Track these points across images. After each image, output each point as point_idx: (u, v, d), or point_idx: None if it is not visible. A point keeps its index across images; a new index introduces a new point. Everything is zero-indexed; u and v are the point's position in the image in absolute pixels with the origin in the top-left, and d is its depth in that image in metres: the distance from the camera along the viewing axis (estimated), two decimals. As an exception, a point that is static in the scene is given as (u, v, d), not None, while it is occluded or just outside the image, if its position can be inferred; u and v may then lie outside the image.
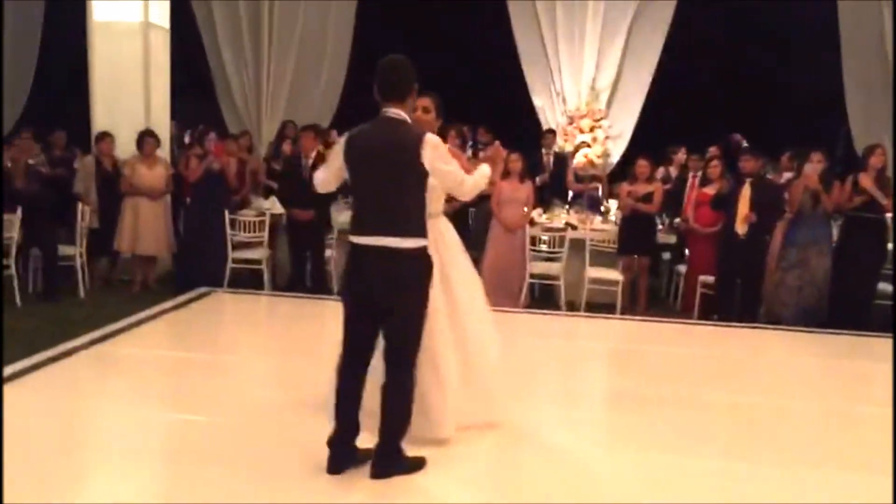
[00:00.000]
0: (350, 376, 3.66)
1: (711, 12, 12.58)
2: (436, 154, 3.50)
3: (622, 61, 10.84)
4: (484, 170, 3.77)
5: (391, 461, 3.65)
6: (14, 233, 7.05)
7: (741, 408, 5.12)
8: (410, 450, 3.75)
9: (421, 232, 3.55)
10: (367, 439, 3.70)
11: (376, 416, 3.66)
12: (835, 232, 7.70)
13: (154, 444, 4.19)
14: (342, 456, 3.67)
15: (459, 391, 4.07)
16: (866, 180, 7.26)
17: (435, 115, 4.09)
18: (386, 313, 3.56)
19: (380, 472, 3.63)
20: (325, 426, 3.74)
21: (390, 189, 3.51)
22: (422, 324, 3.61)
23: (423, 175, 3.51)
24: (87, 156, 8.37)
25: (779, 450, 4.39)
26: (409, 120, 3.60)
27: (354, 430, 3.69)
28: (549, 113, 11.06)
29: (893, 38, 10.04)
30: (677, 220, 8.60)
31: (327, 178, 3.85)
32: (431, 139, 3.51)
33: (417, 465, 3.75)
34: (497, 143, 4.13)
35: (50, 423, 4.29)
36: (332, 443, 3.67)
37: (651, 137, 10.49)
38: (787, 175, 8.13)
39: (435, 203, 3.99)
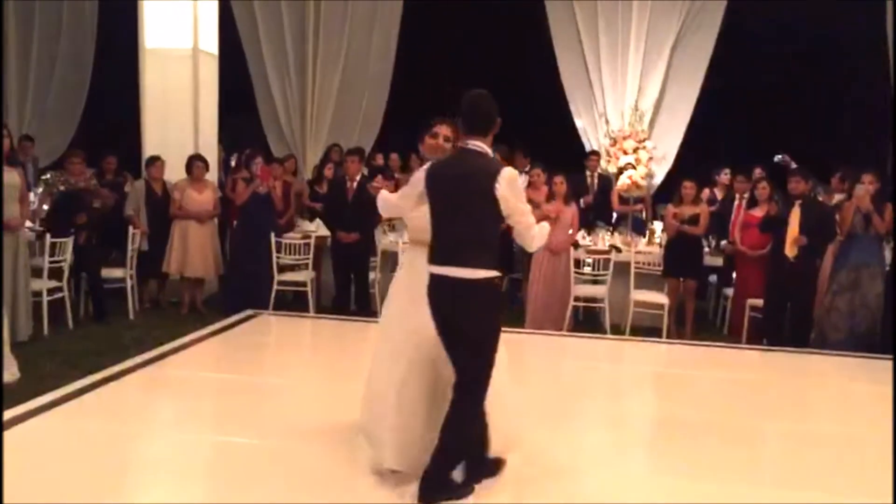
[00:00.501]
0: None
1: (757, 31, 12.45)
2: (511, 188, 3.54)
3: (665, 82, 10.77)
4: (545, 228, 3.77)
5: (440, 486, 3.64)
6: (67, 256, 7.21)
7: (795, 436, 5.00)
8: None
9: (492, 263, 3.60)
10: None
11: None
12: (888, 255, 7.53)
13: (201, 467, 4.23)
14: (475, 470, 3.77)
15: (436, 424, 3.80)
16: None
17: (452, 145, 4.05)
18: (458, 341, 3.61)
19: (427, 497, 3.61)
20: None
21: (465, 219, 3.58)
22: (493, 354, 3.63)
23: (496, 206, 3.54)
24: (137, 180, 8.56)
25: (835, 479, 4.29)
26: (490, 153, 3.67)
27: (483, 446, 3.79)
28: (592, 134, 11.03)
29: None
30: (724, 242, 8.49)
31: (401, 205, 3.90)
32: (509, 172, 3.56)
33: (466, 491, 3.72)
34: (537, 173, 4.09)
35: (100, 445, 4.34)
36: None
37: (696, 158, 10.39)
38: (839, 197, 7.98)
39: None
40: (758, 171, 8.72)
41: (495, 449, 3.95)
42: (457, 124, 3.97)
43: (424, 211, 3.76)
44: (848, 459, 4.67)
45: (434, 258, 3.66)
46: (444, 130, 3.98)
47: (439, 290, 3.62)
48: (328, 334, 7.65)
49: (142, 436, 4.61)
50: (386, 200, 4.01)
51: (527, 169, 8.93)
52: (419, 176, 3.75)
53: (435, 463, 3.62)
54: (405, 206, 3.89)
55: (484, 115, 3.65)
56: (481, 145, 3.64)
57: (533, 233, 3.65)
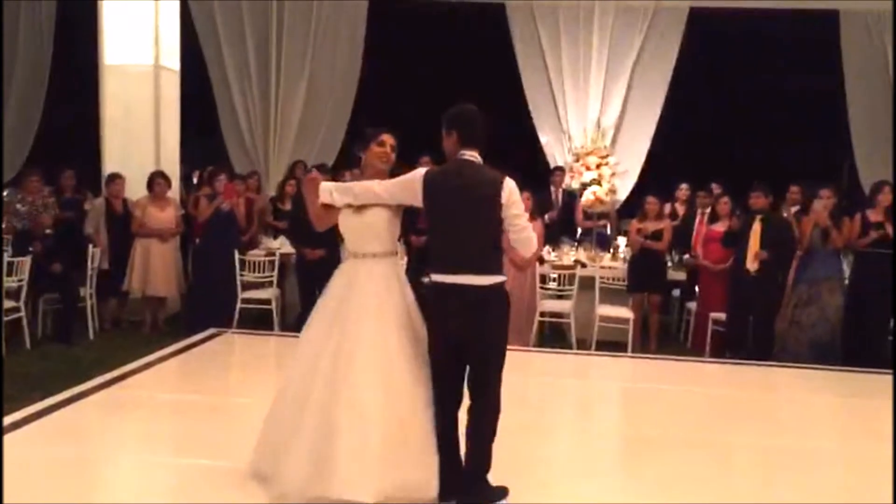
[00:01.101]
0: (445, 415, 3.76)
1: (717, 48, 12.65)
2: (513, 196, 3.63)
3: (627, 97, 10.89)
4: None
5: (479, 490, 3.72)
6: (24, 275, 7.05)
7: (760, 449, 5.05)
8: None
9: (498, 268, 3.69)
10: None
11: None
12: (846, 268, 7.67)
13: (165, 490, 4.13)
14: (450, 485, 3.74)
15: (392, 449, 3.65)
16: (875, 215, 7.31)
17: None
18: (470, 348, 3.68)
19: (480, 495, 3.71)
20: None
21: (469, 226, 3.65)
22: (504, 353, 3.72)
23: (499, 213, 3.62)
24: (97, 197, 8.40)
25: (803, 492, 4.33)
26: (482, 162, 3.74)
27: (459, 464, 3.79)
28: (557, 150, 11.10)
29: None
30: (686, 256, 8.58)
31: (384, 196, 3.81)
32: (510, 182, 3.64)
33: (502, 493, 3.82)
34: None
35: (61, 468, 4.25)
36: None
37: (659, 173, 10.51)
38: (794, 208, 8.14)
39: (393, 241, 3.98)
40: (715, 187, 8.86)
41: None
42: (394, 135, 3.99)
43: (367, 218, 3.84)
44: (816, 472, 4.73)
45: (439, 268, 3.70)
46: (390, 140, 3.97)
47: (449, 299, 3.67)
48: (293, 352, 7.53)
49: (104, 459, 4.52)
50: (368, 188, 3.83)
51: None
52: (414, 178, 3.75)
53: (472, 464, 3.71)
54: (386, 198, 3.82)
55: (481, 127, 3.76)
56: (476, 156, 3.73)
57: (528, 234, 3.70)
